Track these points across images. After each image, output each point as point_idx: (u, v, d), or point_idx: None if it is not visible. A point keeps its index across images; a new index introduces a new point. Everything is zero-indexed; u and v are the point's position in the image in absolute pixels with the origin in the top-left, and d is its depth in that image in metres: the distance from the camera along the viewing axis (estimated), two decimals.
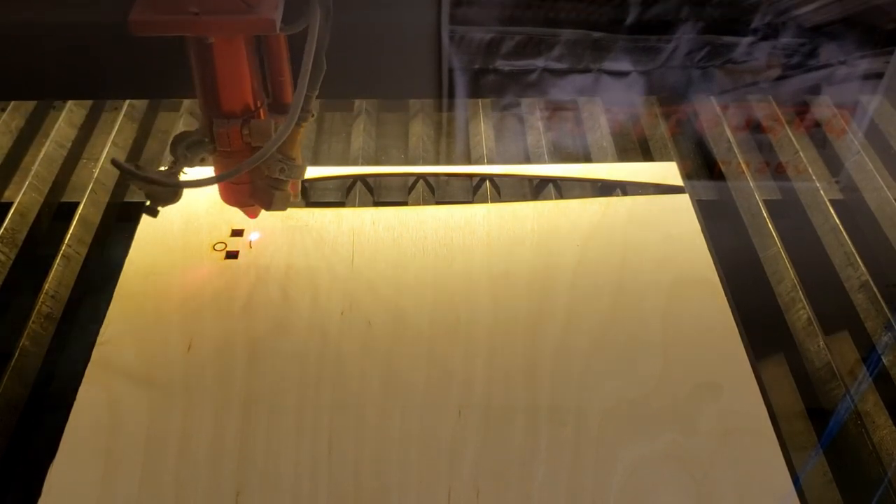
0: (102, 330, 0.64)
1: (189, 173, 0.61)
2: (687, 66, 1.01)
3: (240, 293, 0.68)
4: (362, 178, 0.84)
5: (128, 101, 0.96)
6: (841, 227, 0.79)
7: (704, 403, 0.60)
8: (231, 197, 0.67)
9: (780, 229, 0.80)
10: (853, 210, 0.85)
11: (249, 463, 0.56)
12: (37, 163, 0.85)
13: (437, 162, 0.94)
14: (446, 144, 0.97)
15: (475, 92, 1.01)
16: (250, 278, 0.69)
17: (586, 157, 0.93)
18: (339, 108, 1.01)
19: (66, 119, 0.93)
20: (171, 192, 0.61)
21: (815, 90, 1.01)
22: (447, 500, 0.54)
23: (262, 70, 0.61)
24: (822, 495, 0.61)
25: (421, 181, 0.84)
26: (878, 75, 0.99)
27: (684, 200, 0.79)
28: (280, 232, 0.74)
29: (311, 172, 0.83)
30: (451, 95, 1.00)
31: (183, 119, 0.95)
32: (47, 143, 0.88)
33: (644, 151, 0.95)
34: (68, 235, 0.77)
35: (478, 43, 0.98)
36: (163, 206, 0.61)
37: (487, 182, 0.84)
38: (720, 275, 0.70)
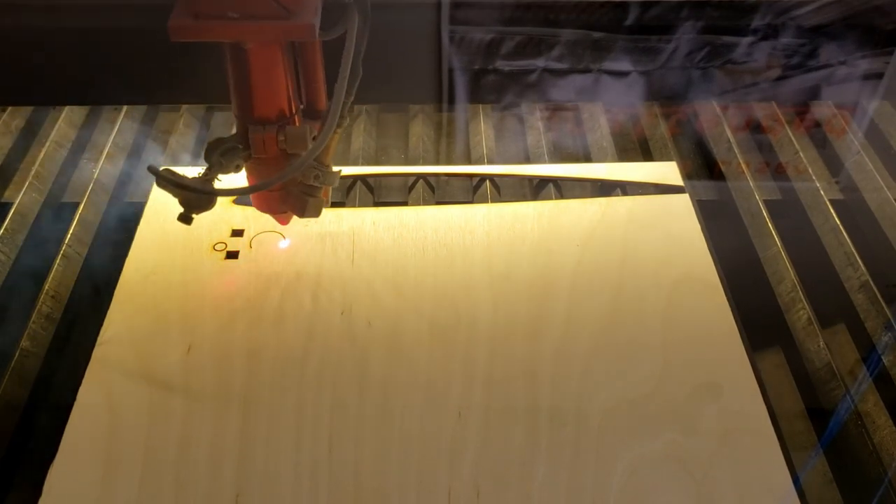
0: (102, 330, 0.64)
1: (223, 180, 0.60)
2: (687, 66, 1.01)
3: (240, 293, 0.68)
4: (362, 178, 0.84)
5: None
6: (841, 227, 0.79)
7: (704, 403, 0.60)
8: (264, 204, 0.67)
9: (781, 229, 0.80)
10: (853, 210, 0.85)
11: (249, 463, 0.56)
12: (37, 163, 0.85)
13: (437, 162, 0.94)
14: (446, 144, 0.97)
15: (475, 92, 1.01)
16: (250, 278, 0.69)
17: (586, 157, 0.93)
18: None
19: (66, 119, 0.93)
20: (205, 199, 0.59)
21: (815, 90, 1.01)
22: (447, 500, 0.54)
23: (296, 75, 0.61)
24: (822, 495, 0.61)
25: (421, 181, 0.85)
26: (878, 75, 0.99)
27: (684, 200, 0.79)
28: (280, 232, 0.74)
29: None
30: (451, 95, 1.00)
31: (183, 119, 0.95)
32: (47, 143, 0.88)
33: (644, 151, 0.95)
34: (68, 235, 0.77)
35: (478, 43, 0.98)
36: (197, 213, 0.60)
37: (487, 182, 0.84)
38: (720, 275, 0.70)
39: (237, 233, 0.74)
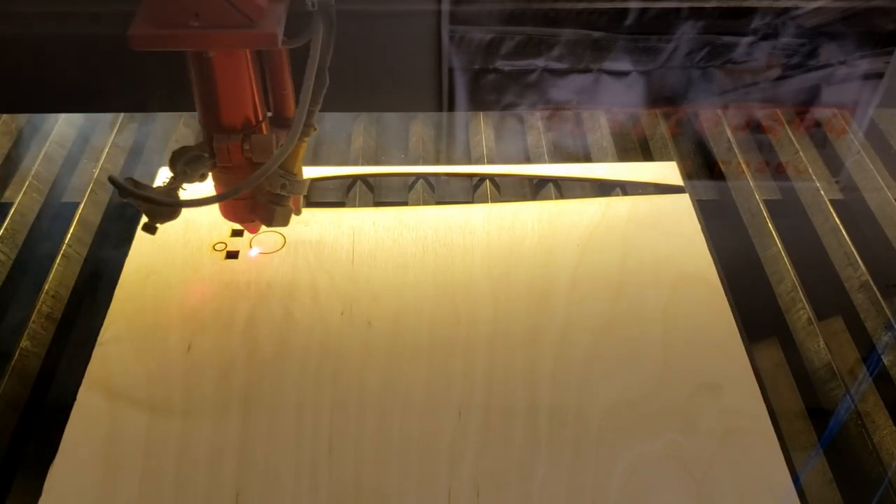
0: (102, 330, 0.64)
1: (188, 189, 0.60)
2: (687, 66, 1.01)
3: (240, 293, 0.68)
4: (362, 178, 0.84)
5: None
6: (841, 227, 0.79)
7: (704, 403, 0.60)
8: (231, 213, 0.66)
9: (780, 229, 0.80)
10: (853, 210, 0.85)
11: (249, 463, 0.56)
12: (37, 163, 0.85)
13: (437, 162, 0.94)
14: (446, 144, 0.97)
15: (475, 93, 1.01)
16: (251, 278, 0.69)
17: (586, 157, 0.93)
18: (338, 107, 1.00)
19: (66, 119, 0.93)
20: (169, 209, 0.59)
21: (816, 90, 1.01)
22: (447, 499, 0.54)
23: (263, 84, 0.60)
24: (822, 495, 0.61)
25: (421, 181, 0.85)
26: (878, 76, 0.99)
27: (684, 200, 0.79)
28: (280, 232, 0.74)
29: (312, 172, 0.83)
30: (452, 96, 1.00)
31: (183, 119, 0.95)
32: (47, 143, 0.88)
33: (644, 151, 0.95)
34: (68, 235, 0.77)
35: (478, 43, 0.98)
36: (161, 223, 0.59)
37: (487, 182, 0.84)
38: (720, 275, 0.70)
39: (237, 233, 0.74)
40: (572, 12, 0.95)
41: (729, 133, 0.92)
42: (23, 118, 0.95)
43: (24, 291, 0.73)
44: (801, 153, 0.89)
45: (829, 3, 0.94)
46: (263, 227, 0.74)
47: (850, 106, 0.98)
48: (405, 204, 0.82)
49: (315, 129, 0.61)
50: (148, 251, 0.71)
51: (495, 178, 0.85)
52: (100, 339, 0.64)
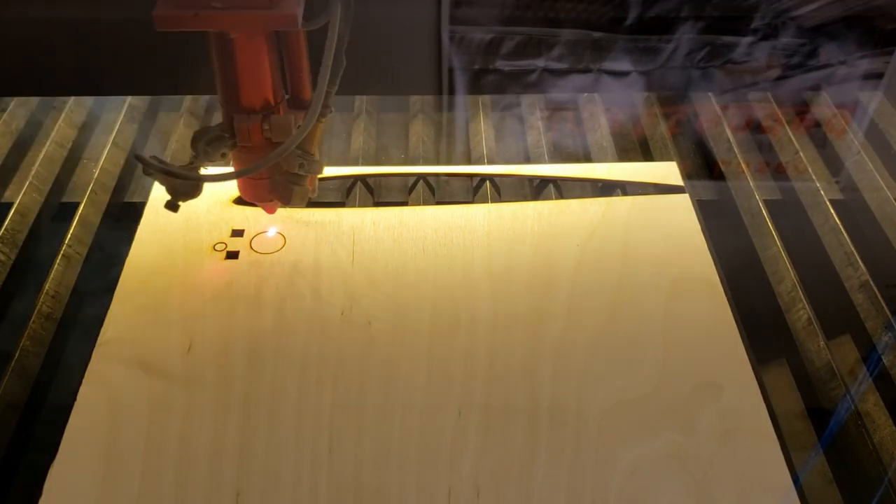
0: (102, 330, 0.64)
1: (209, 168, 0.61)
2: (687, 66, 1.01)
3: (240, 293, 0.68)
4: (362, 178, 0.84)
5: (127, 102, 0.96)
6: (841, 227, 0.79)
7: (704, 403, 0.60)
8: (250, 192, 0.68)
9: (780, 229, 0.80)
10: (853, 210, 0.85)
11: (250, 462, 0.56)
12: (37, 163, 0.85)
13: (437, 162, 0.94)
14: (446, 144, 0.97)
15: (475, 91, 1.01)
16: (251, 278, 0.69)
17: (586, 157, 0.93)
18: (339, 107, 1.00)
19: (66, 119, 0.93)
20: (191, 186, 0.61)
21: (815, 90, 1.01)
22: (447, 498, 0.54)
23: (281, 65, 0.62)
24: (822, 495, 0.61)
25: (421, 181, 0.85)
26: (878, 75, 0.99)
27: (684, 200, 0.79)
28: (280, 232, 0.74)
29: None
30: (452, 95, 1.00)
31: (183, 119, 0.95)
32: (47, 143, 0.88)
33: (644, 151, 0.95)
34: (68, 235, 0.77)
35: (478, 43, 0.98)
36: (184, 200, 0.61)
37: (487, 182, 0.84)
38: (720, 275, 0.70)
39: (237, 233, 0.74)
40: (572, 12, 0.95)
41: (729, 133, 0.92)
42: (23, 118, 0.95)
43: (24, 291, 0.73)
44: (801, 153, 0.89)
45: (829, 4, 0.94)
46: (263, 228, 0.74)
47: (850, 106, 0.98)
48: (405, 204, 0.82)
49: (331, 110, 0.63)
50: (148, 251, 0.71)
51: (495, 179, 0.85)
52: (100, 339, 0.64)
